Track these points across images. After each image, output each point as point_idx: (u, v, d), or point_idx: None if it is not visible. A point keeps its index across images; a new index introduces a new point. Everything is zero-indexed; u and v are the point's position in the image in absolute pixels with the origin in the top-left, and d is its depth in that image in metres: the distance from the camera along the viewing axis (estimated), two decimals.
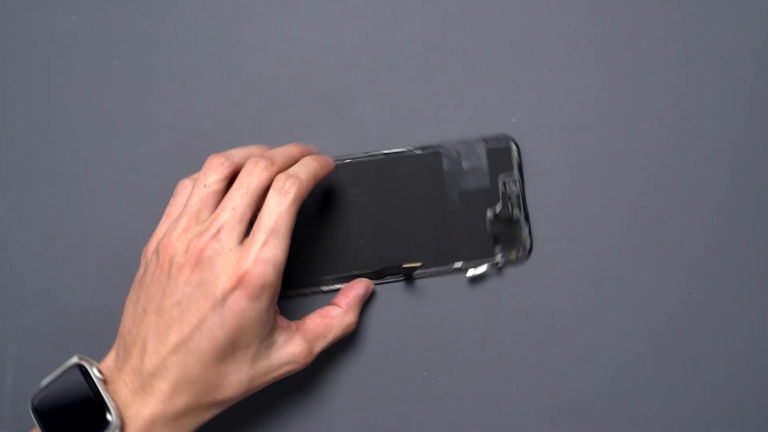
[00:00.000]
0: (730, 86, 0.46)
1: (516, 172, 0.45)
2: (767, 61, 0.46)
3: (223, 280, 0.37)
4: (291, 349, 0.40)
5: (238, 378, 0.39)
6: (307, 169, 0.40)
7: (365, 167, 0.45)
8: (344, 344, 0.46)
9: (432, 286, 0.46)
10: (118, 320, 0.46)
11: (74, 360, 0.38)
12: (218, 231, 0.38)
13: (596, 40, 0.46)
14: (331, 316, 0.42)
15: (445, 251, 0.45)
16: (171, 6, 0.46)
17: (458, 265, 0.45)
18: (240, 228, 0.38)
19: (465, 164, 0.45)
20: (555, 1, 0.46)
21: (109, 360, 0.39)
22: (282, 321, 0.40)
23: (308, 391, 0.46)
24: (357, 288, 0.44)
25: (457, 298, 0.46)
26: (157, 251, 0.39)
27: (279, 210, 0.38)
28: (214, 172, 0.40)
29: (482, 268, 0.44)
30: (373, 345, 0.46)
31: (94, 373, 0.38)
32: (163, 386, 0.37)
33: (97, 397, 0.37)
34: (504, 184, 0.45)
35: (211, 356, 0.37)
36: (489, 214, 0.45)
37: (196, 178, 0.41)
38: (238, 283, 0.37)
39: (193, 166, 0.46)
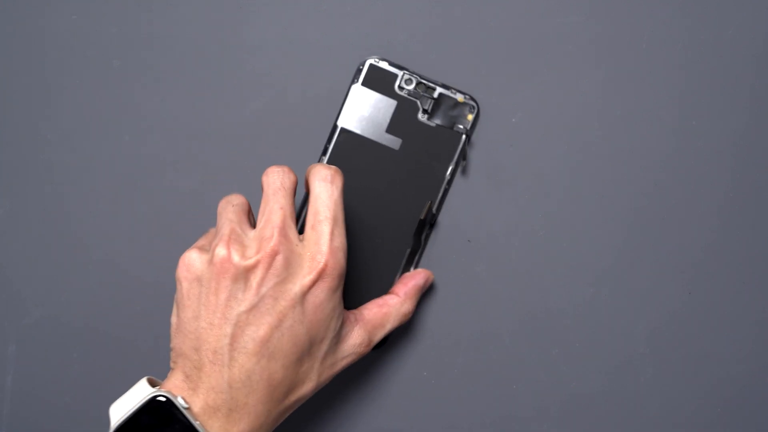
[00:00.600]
0: (730, 86, 0.46)
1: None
2: (767, 61, 0.46)
3: (302, 276, 0.37)
4: (353, 339, 0.40)
5: (311, 375, 0.38)
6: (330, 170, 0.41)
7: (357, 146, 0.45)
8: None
9: (432, 286, 0.46)
10: (118, 320, 0.46)
11: (150, 390, 0.36)
12: (282, 230, 0.38)
13: (596, 40, 0.46)
14: (389, 305, 0.42)
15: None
16: (171, 6, 0.46)
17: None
18: (294, 227, 0.39)
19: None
20: (555, 1, 0.46)
21: (178, 381, 0.37)
22: (350, 315, 0.41)
23: None
24: (417, 278, 0.44)
25: (457, 298, 0.46)
26: (212, 261, 0.37)
27: (333, 198, 0.39)
28: (235, 198, 0.40)
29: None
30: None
31: (180, 403, 0.36)
32: (249, 399, 0.36)
33: (188, 428, 0.35)
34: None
35: (292, 356, 0.37)
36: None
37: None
38: (319, 276, 0.37)
39: (193, 166, 0.46)
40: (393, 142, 0.45)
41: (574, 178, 0.46)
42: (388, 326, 0.42)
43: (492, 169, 0.46)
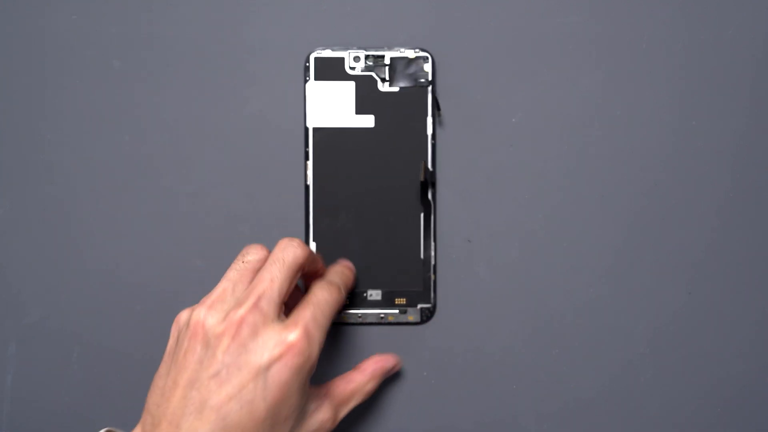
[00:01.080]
0: (730, 86, 0.46)
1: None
2: (767, 61, 0.46)
3: (268, 350, 0.36)
4: (320, 416, 0.40)
5: None
6: (342, 279, 0.43)
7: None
8: (344, 344, 0.46)
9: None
10: (118, 320, 0.46)
11: None
12: (258, 300, 0.37)
13: (596, 40, 0.46)
14: (356, 382, 0.43)
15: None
16: (171, 6, 0.46)
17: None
18: (278, 300, 0.38)
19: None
20: (555, 1, 0.46)
21: None
22: (311, 388, 0.40)
23: None
24: (385, 361, 0.44)
25: (457, 298, 0.46)
26: (188, 322, 0.38)
27: (328, 300, 0.39)
28: (253, 252, 0.40)
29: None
30: (373, 345, 0.46)
31: None
32: None
33: None
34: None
35: (250, 430, 0.36)
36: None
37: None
38: (285, 353, 0.36)
39: (194, 166, 0.46)
40: (366, 120, 0.45)
41: (574, 178, 0.46)
42: (352, 403, 0.42)
43: (492, 168, 0.46)
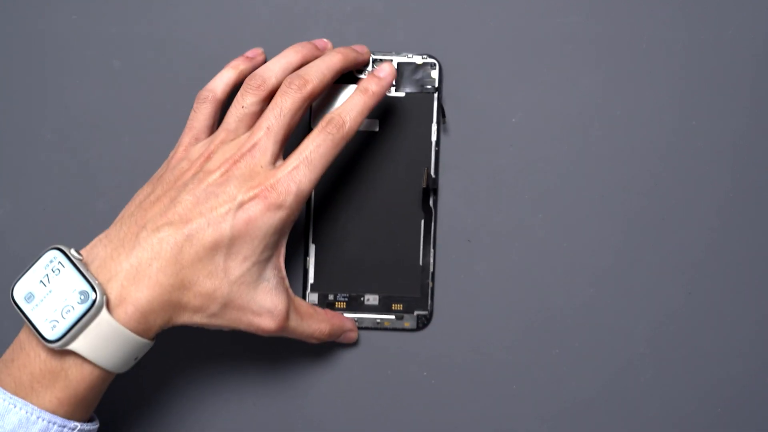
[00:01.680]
0: (730, 86, 0.46)
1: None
2: (767, 61, 0.46)
3: (245, 189, 0.38)
4: (274, 299, 0.40)
5: (213, 287, 0.38)
6: (352, 107, 0.41)
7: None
8: (338, 346, 0.46)
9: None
10: None
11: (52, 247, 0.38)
12: (252, 147, 0.39)
13: (596, 40, 0.46)
14: (315, 313, 0.42)
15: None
16: (171, 6, 0.46)
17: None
18: (273, 148, 0.39)
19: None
20: (555, 1, 0.46)
21: (98, 243, 0.38)
22: (283, 276, 0.41)
23: (309, 390, 0.46)
24: (345, 322, 0.44)
25: (457, 298, 0.46)
26: (188, 156, 0.40)
27: (321, 145, 0.39)
28: (251, 94, 0.41)
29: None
30: (373, 345, 0.46)
31: (72, 255, 0.37)
32: (153, 266, 0.37)
33: (81, 275, 0.36)
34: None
35: (207, 248, 0.37)
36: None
37: (213, 90, 0.42)
38: (258, 194, 0.38)
39: None
40: (371, 124, 0.45)
41: (574, 178, 0.46)
42: (300, 329, 0.41)
43: (492, 169, 0.46)
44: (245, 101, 0.41)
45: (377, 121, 0.45)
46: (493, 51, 0.46)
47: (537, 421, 0.46)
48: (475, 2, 0.46)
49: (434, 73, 0.45)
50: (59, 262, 0.37)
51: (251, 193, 0.38)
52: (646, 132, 0.46)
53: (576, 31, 0.46)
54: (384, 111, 0.45)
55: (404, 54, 0.45)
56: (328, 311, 0.44)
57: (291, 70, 0.42)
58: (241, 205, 0.38)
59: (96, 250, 0.38)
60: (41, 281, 0.37)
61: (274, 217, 0.38)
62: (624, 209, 0.46)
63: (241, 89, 0.41)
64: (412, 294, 0.45)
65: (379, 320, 0.45)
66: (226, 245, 0.38)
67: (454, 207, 0.46)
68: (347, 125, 0.40)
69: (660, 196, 0.46)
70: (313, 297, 0.45)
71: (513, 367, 0.46)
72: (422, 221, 0.45)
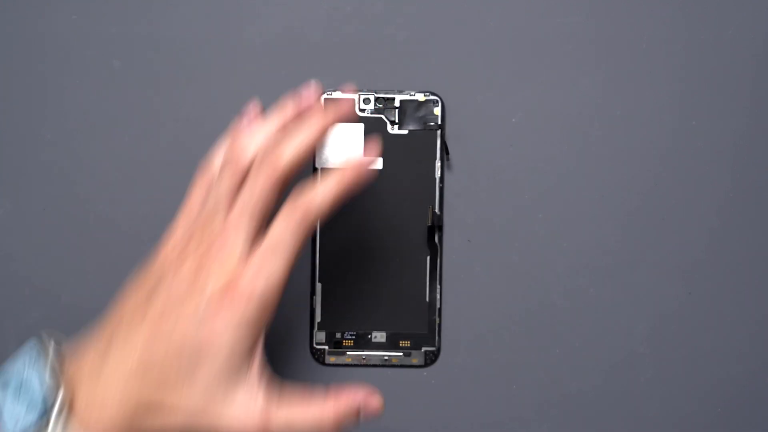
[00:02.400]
0: (730, 86, 0.46)
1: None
2: (767, 61, 0.46)
3: (215, 294, 0.36)
4: (249, 403, 0.36)
5: (181, 397, 0.35)
6: (324, 190, 0.38)
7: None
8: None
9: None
10: None
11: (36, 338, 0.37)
12: (222, 243, 0.37)
13: (596, 40, 0.46)
14: (309, 403, 0.37)
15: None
16: (171, 6, 0.46)
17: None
18: (244, 240, 0.37)
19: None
20: (555, 1, 0.46)
21: (82, 340, 0.38)
22: (260, 374, 0.37)
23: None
24: (356, 396, 0.37)
25: (457, 298, 0.46)
26: (167, 246, 0.39)
27: (289, 233, 0.37)
28: (227, 173, 0.38)
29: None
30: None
31: (50, 348, 0.36)
32: (118, 370, 0.35)
33: (48, 373, 0.35)
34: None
35: (175, 355, 0.35)
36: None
37: (211, 175, 0.40)
38: (226, 296, 0.36)
39: (194, 166, 0.46)
40: (374, 162, 0.45)
41: (574, 178, 0.46)
42: (300, 419, 0.36)
43: (492, 169, 0.46)
44: (221, 183, 0.38)
45: (380, 159, 0.45)
46: (493, 50, 0.46)
47: (537, 420, 0.46)
48: (476, 2, 0.46)
49: (437, 111, 0.45)
50: (36, 352, 0.36)
51: (218, 298, 0.35)
52: (646, 132, 0.46)
53: (576, 31, 0.46)
54: (387, 149, 0.45)
55: (407, 92, 0.45)
56: (333, 391, 0.37)
57: (271, 140, 0.39)
58: (208, 310, 0.35)
59: (74, 347, 0.37)
60: (17, 370, 0.36)
61: (243, 320, 0.35)
62: (624, 209, 0.46)
63: (221, 166, 0.39)
64: (420, 330, 0.46)
65: (386, 357, 0.45)
66: (194, 353, 0.35)
67: (455, 207, 0.46)
68: (316, 211, 0.37)
69: (660, 196, 0.46)
70: (321, 335, 0.45)
71: (513, 368, 0.46)
72: (428, 258, 0.45)
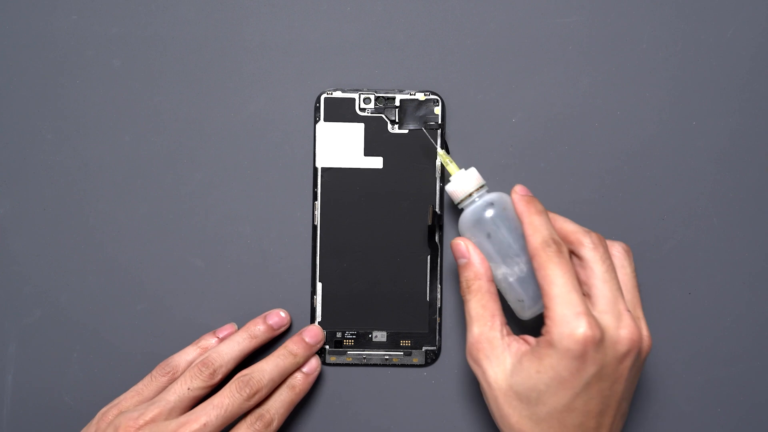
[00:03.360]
0: (730, 86, 0.46)
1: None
2: (767, 61, 0.46)
3: None
4: None
5: None
6: (281, 404, 0.42)
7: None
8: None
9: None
10: (118, 320, 0.46)
11: None
12: None
13: (596, 40, 0.46)
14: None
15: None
16: (171, 6, 0.46)
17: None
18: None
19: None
20: (555, 1, 0.46)
21: None
22: None
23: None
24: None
25: (457, 298, 0.46)
26: (115, 426, 0.39)
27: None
28: (201, 379, 0.41)
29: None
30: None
31: None
32: None
33: None
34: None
35: None
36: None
37: (175, 366, 0.43)
38: None
39: (194, 166, 0.46)
40: (375, 162, 0.45)
41: (574, 178, 0.46)
42: None
43: (492, 169, 0.46)
44: (192, 384, 0.41)
45: (381, 159, 0.45)
46: (493, 50, 0.46)
47: None
48: (477, 3, 0.46)
49: (437, 110, 0.45)
50: None
51: None
52: (645, 132, 0.46)
53: (576, 31, 0.46)
54: (388, 148, 0.45)
55: (407, 91, 0.45)
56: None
57: (243, 358, 0.43)
58: None
59: None
60: None
61: None
62: (624, 209, 0.46)
63: (193, 370, 0.41)
64: (420, 330, 0.46)
65: (387, 356, 0.45)
66: None
67: (455, 207, 0.46)
68: (275, 423, 0.41)
69: (660, 196, 0.46)
70: None
71: None
72: (428, 257, 0.45)
